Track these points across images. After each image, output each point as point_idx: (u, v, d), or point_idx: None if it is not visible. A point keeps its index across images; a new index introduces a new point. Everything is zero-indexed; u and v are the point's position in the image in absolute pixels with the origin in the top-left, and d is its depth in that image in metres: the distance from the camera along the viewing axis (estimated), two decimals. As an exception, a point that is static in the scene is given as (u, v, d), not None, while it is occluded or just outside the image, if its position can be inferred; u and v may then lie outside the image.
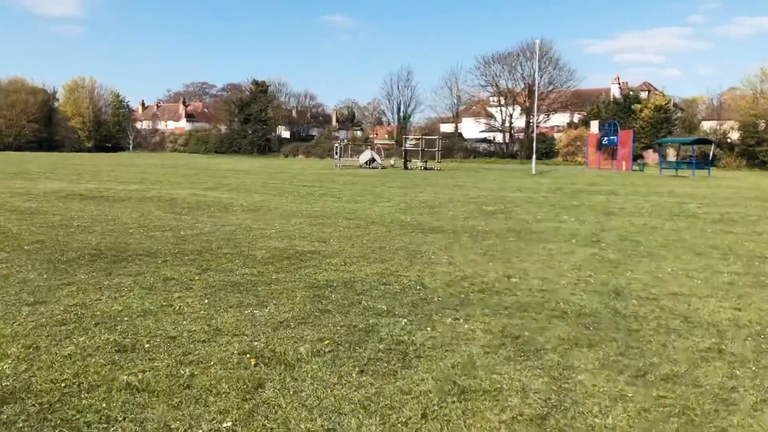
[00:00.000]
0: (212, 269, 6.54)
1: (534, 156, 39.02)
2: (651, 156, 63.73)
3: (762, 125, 55.67)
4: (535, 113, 42.69)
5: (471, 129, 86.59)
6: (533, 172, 37.45)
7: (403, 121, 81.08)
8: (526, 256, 8.01)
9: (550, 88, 72.46)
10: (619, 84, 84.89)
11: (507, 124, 75.26)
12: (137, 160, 49.84)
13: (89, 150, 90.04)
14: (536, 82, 42.87)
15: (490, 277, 6.50)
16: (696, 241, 9.89)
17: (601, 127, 50.96)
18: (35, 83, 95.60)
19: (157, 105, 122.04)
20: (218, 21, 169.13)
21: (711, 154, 39.01)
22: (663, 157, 41.56)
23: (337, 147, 40.76)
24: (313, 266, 6.80)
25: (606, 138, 49.82)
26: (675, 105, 69.23)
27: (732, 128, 59.05)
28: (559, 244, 9.13)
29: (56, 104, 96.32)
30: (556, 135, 75.51)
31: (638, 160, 48.90)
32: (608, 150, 50.69)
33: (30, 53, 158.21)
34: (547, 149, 70.50)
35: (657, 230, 11.25)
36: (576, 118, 76.96)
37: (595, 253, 8.42)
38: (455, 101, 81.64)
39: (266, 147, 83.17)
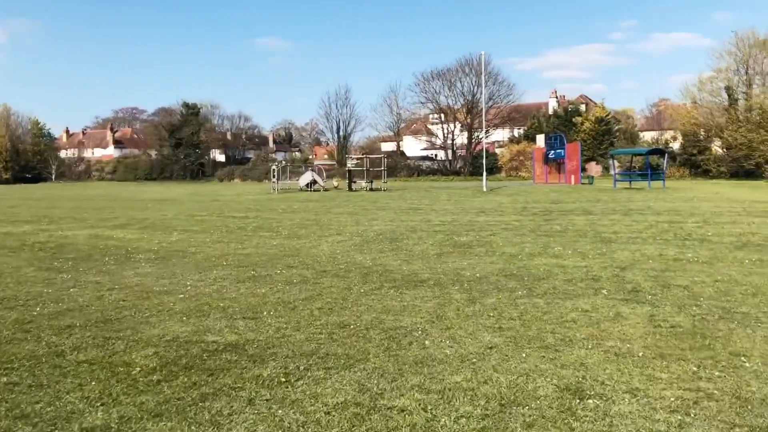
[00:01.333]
0: (25, 418, 3.48)
1: (485, 173, 36.81)
2: (594, 168, 63.21)
3: (702, 134, 55.77)
4: (484, 127, 40.70)
5: (412, 147, 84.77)
6: (485, 189, 35.29)
7: (343, 141, 78.36)
8: (562, 329, 5.29)
9: (491, 103, 71.28)
10: (557, 97, 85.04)
11: (449, 141, 73.62)
12: (54, 192, 45.18)
13: (6, 182, 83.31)
14: (483, 96, 40.89)
15: (545, 397, 3.71)
16: (755, 281, 7.45)
17: (546, 140, 49.58)
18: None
19: (82, 132, 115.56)
20: (148, 45, 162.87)
21: (665, 164, 37.83)
22: (614, 169, 40.18)
23: (274, 169, 37.57)
24: (229, 390, 3.81)
25: (552, 152, 48.48)
26: (613, 117, 69.14)
27: (673, 138, 59.01)
28: (589, 300, 6.47)
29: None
30: (498, 150, 74.44)
31: (583, 173, 47.70)
32: (555, 164, 49.39)
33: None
34: (490, 165, 69.03)
35: (686, 265, 8.80)
36: (516, 132, 76.16)
37: (653, 315, 5.79)
38: (396, 119, 79.62)
39: (200, 172, 78.88)
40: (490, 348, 4.70)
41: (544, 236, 12.64)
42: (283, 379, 3.95)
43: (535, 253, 10.44)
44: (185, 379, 3.99)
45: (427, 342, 4.89)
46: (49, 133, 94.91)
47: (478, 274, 8.20)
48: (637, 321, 5.58)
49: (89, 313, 6.01)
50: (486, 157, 69.22)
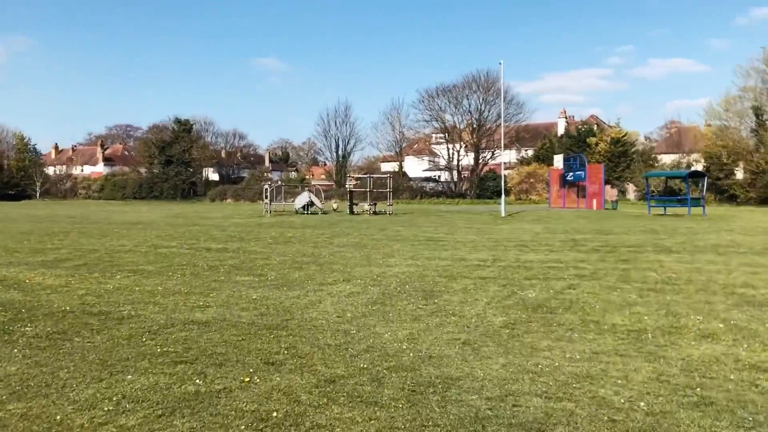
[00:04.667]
0: None
1: (503, 196, 32.92)
2: (609, 192, 59.45)
3: (725, 156, 52.00)
4: (502, 144, 36.89)
5: (414, 167, 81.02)
6: (503, 214, 31.31)
7: (342, 160, 74.40)
8: None
9: (499, 122, 67.47)
10: (566, 118, 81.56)
11: (454, 162, 69.77)
12: (22, 211, 41.04)
13: (-12, 199, 78.94)
14: (501, 107, 37.19)
15: None
16: None
17: (565, 161, 45.78)
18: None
19: (72, 148, 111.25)
20: (144, 64, 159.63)
21: (704, 188, 33.90)
22: (648, 193, 36.05)
23: (267, 189, 33.53)
24: None
25: (571, 174, 44.68)
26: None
27: (695, 161, 55.32)
28: None
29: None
30: (506, 172, 70.54)
31: (617, 197, 43.97)
32: (573, 187, 45.59)
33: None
34: (498, 187, 65.28)
35: None
36: (524, 153, 72.44)
37: None
38: (398, 138, 75.78)
39: (191, 191, 74.80)
40: None
41: (649, 291, 8.63)
42: None
43: (666, 328, 6.48)
44: None
45: None
46: (34, 148, 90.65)
47: (641, 402, 4.18)
48: None
49: None
50: (494, 180, 65.67)
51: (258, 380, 4.66)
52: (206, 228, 22.06)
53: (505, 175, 68.19)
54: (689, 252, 13.28)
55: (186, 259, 12.48)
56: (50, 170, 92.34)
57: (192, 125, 77.87)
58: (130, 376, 4.74)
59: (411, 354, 5.45)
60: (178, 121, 76.27)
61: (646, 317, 7.01)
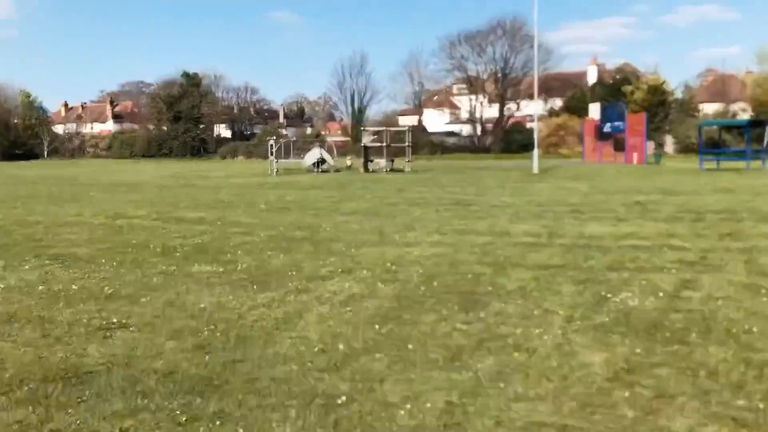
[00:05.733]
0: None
1: (536, 150, 29.42)
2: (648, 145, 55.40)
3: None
4: (536, 91, 33.02)
5: (435, 121, 77.15)
6: (536, 170, 27.93)
7: (358, 114, 70.70)
8: None
9: (525, 70, 63.03)
10: (597, 65, 76.71)
11: (477, 115, 65.74)
12: (13, 171, 38.54)
13: (-5, 159, 76.71)
14: (535, 50, 33.15)
15: None
16: None
17: (602, 111, 41.87)
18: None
19: (81, 106, 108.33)
20: (158, 18, 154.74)
21: (766, 138, 30.09)
22: (701, 145, 32.05)
23: (272, 145, 30.36)
24: None
25: (609, 125, 40.77)
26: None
27: (743, 110, 50.98)
28: None
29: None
30: (531, 124, 66.56)
31: (656, 150, 40.18)
32: (611, 140, 41.78)
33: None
34: (525, 141, 61.37)
35: None
36: (552, 104, 68.12)
37: None
38: (417, 89, 71.70)
39: (201, 148, 71.85)
40: None
41: (818, 295, 5.48)
42: None
43: None
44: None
45: None
46: (41, 106, 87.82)
47: None
48: None
49: None
50: (520, 132, 61.75)
51: None
52: (198, 190, 19.11)
53: (531, 128, 64.31)
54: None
55: (142, 236, 9.52)
56: (60, 129, 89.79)
57: (201, 79, 74.40)
58: None
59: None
60: (186, 75, 72.79)
61: None
